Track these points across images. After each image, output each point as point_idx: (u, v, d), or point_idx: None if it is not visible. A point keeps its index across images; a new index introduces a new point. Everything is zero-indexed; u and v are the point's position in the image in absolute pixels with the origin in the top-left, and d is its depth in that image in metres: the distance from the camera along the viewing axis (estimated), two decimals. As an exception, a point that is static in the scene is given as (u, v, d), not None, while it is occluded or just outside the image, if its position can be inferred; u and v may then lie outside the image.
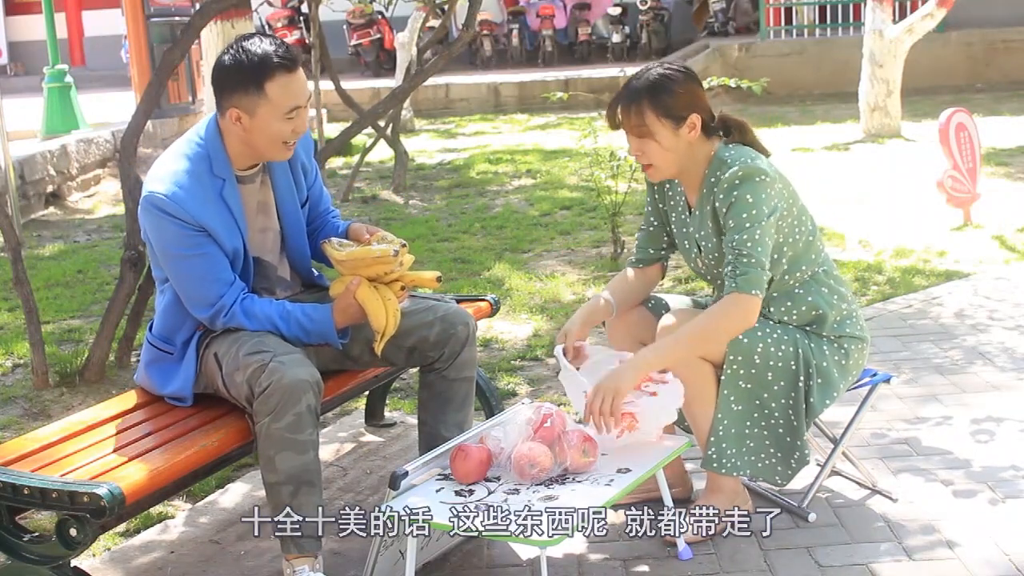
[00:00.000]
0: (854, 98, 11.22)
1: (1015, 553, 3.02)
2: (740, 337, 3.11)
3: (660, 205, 3.37)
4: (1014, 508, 3.29)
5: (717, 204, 3.11)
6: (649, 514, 3.29)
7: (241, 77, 2.95)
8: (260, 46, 2.95)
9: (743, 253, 3.03)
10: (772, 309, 3.19)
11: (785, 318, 3.18)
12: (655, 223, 3.40)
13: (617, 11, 17.49)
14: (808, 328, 3.19)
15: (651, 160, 3.16)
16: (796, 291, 3.19)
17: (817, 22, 15.74)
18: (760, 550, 3.12)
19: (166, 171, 3.01)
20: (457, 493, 2.83)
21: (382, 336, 3.08)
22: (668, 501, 3.11)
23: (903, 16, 12.15)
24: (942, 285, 5.69)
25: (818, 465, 3.46)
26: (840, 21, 15.49)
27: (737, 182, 3.06)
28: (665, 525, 3.13)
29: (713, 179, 3.14)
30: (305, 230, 3.30)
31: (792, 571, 3.00)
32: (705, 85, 6.58)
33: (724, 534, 3.16)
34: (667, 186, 3.33)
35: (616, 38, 17.41)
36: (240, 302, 3.02)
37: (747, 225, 3.04)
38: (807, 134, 11.18)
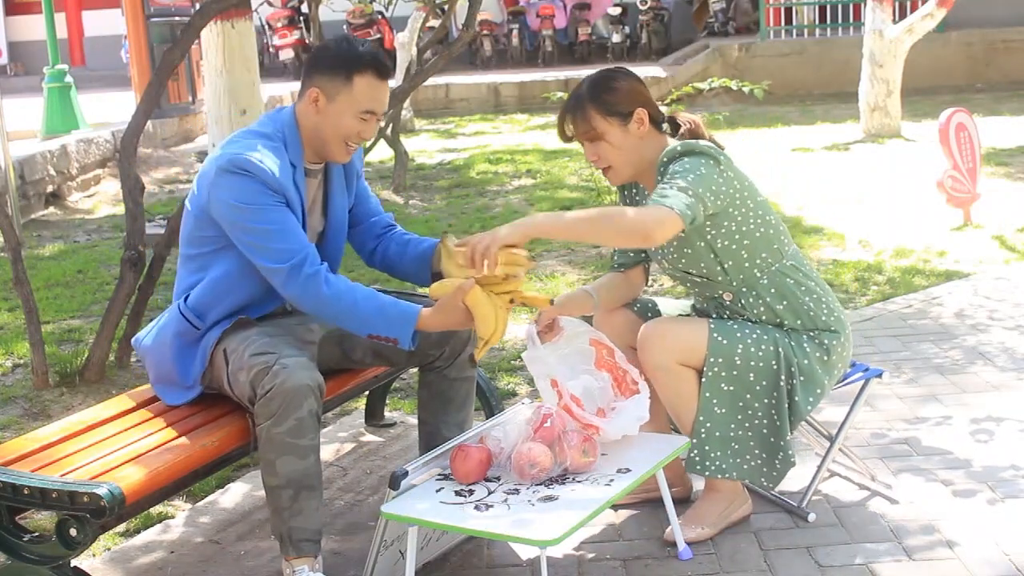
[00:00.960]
0: (854, 98, 11.22)
1: (1015, 553, 3.02)
2: (720, 339, 3.11)
3: None
4: (1014, 508, 3.29)
5: (658, 177, 3.12)
6: (649, 514, 3.32)
7: (337, 61, 3.03)
8: (366, 45, 3.07)
9: (675, 179, 3.01)
10: (743, 303, 3.19)
11: (755, 311, 3.18)
12: None
13: (617, 11, 17.49)
14: (782, 324, 3.18)
15: (608, 162, 3.19)
16: (761, 282, 3.19)
17: (817, 22, 15.74)
18: (760, 550, 3.12)
19: (247, 143, 3.01)
20: (457, 493, 2.83)
21: (486, 344, 2.97)
22: (668, 501, 3.11)
23: (903, 16, 12.15)
24: (942, 285, 5.69)
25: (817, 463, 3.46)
26: (840, 21, 15.50)
27: (675, 154, 3.09)
28: (665, 525, 3.15)
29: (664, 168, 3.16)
30: (346, 236, 3.31)
31: (792, 571, 3.00)
32: (705, 86, 6.64)
33: (723, 534, 3.18)
34: (634, 189, 3.35)
35: (616, 38, 17.41)
36: (325, 266, 2.99)
37: (680, 172, 3.03)
38: (807, 134, 11.18)
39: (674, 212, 2.93)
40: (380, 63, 3.06)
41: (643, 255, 3.40)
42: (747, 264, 3.17)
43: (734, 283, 3.19)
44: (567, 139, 3.25)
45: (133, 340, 3.29)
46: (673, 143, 3.17)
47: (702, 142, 3.14)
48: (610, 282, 3.38)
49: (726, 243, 3.14)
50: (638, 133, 3.16)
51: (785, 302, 3.17)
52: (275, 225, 2.95)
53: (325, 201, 3.23)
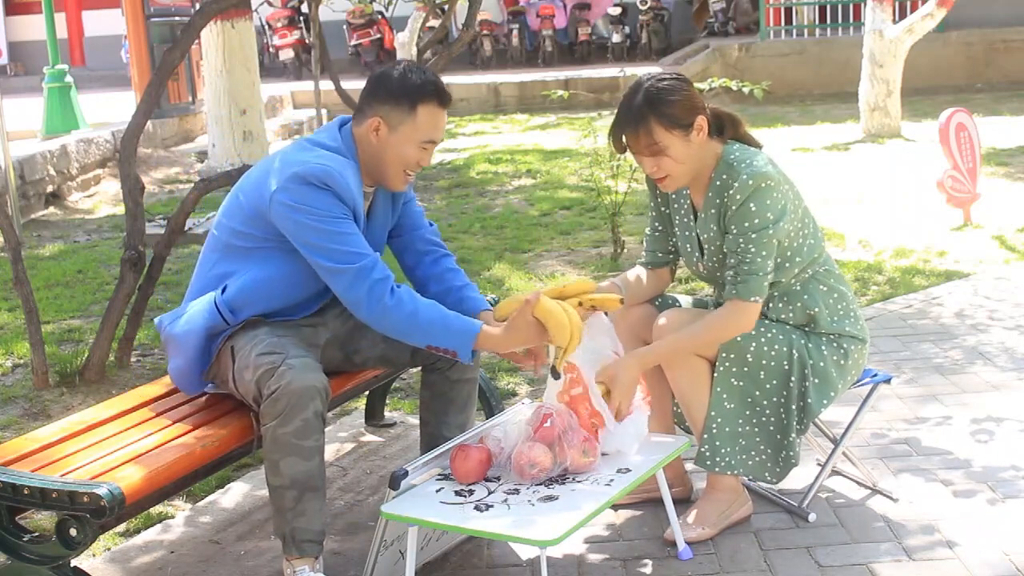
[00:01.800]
0: (854, 98, 11.22)
1: (1015, 553, 3.02)
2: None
3: (663, 208, 3.36)
4: (1014, 508, 3.29)
5: (724, 209, 3.10)
6: (649, 514, 3.32)
7: (401, 90, 3.01)
8: (428, 74, 3.06)
9: (745, 260, 3.04)
10: (769, 306, 3.19)
11: (782, 316, 3.19)
12: (660, 227, 3.39)
13: (617, 11, 17.50)
14: (805, 327, 3.19)
15: (667, 172, 3.11)
16: (794, 288, 3.19)
17: (817, 22, 15.74)
18: (760, 550, 3.12)
19: (325, 155, 2.99)
20: (457, 493, 2.83)
21: (565, 352, 2.90)
22: (668, 501, 3.11)
23: (903, 16, 12.15)
24: (942, 285, 5.69)
25: (819, 465, 3.46)
26: (840, 21, 15.49)
27: (747, 190, 3.04)
28: (665, 525, 3.15)
29: (719, 182, 3.13)
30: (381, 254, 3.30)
31: (792, 571, 3.00)
32: (706, 86, 6.64)
33: (724, 534, 3.18)
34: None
35: (616, 38, 17.43)
36: (393, 276, 2.97)
37: (752, 233, 3.03)
38: (807, 134, 11.18)
39: (756, 303, 3.07)
40: (443, 92, 3.05)
41: (671, 255, 3.39)
42: (788, 275, 3.17)
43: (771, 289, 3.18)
44: (622, 150, 3.18)
45: (156, 321, 3.22)
46: (727, 153, 3.13)
47: (756, 156, 3.11)
48: (636, 277, 3.37)
49: (777, 260, 3.12)
50: (698, 141, 3.10)
51: (816, 308, 3.17)
52: (345, 230, 2.94)
53: (367, 219, 3.21)
